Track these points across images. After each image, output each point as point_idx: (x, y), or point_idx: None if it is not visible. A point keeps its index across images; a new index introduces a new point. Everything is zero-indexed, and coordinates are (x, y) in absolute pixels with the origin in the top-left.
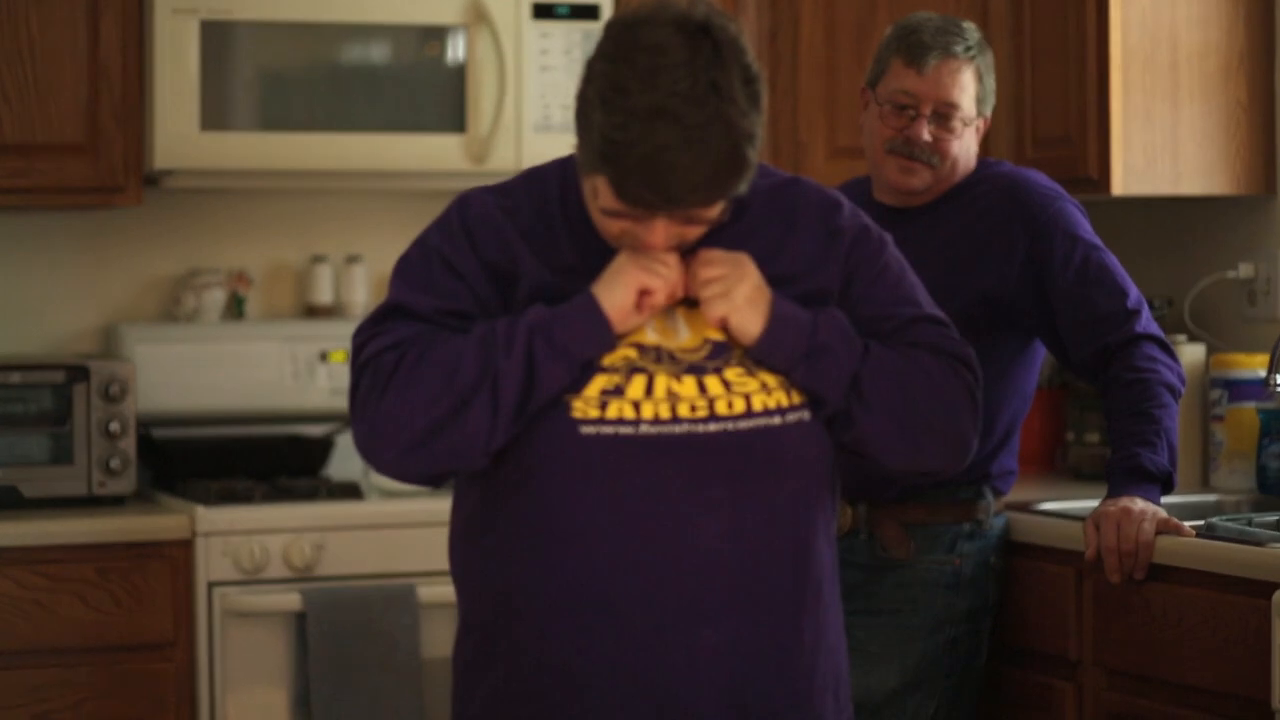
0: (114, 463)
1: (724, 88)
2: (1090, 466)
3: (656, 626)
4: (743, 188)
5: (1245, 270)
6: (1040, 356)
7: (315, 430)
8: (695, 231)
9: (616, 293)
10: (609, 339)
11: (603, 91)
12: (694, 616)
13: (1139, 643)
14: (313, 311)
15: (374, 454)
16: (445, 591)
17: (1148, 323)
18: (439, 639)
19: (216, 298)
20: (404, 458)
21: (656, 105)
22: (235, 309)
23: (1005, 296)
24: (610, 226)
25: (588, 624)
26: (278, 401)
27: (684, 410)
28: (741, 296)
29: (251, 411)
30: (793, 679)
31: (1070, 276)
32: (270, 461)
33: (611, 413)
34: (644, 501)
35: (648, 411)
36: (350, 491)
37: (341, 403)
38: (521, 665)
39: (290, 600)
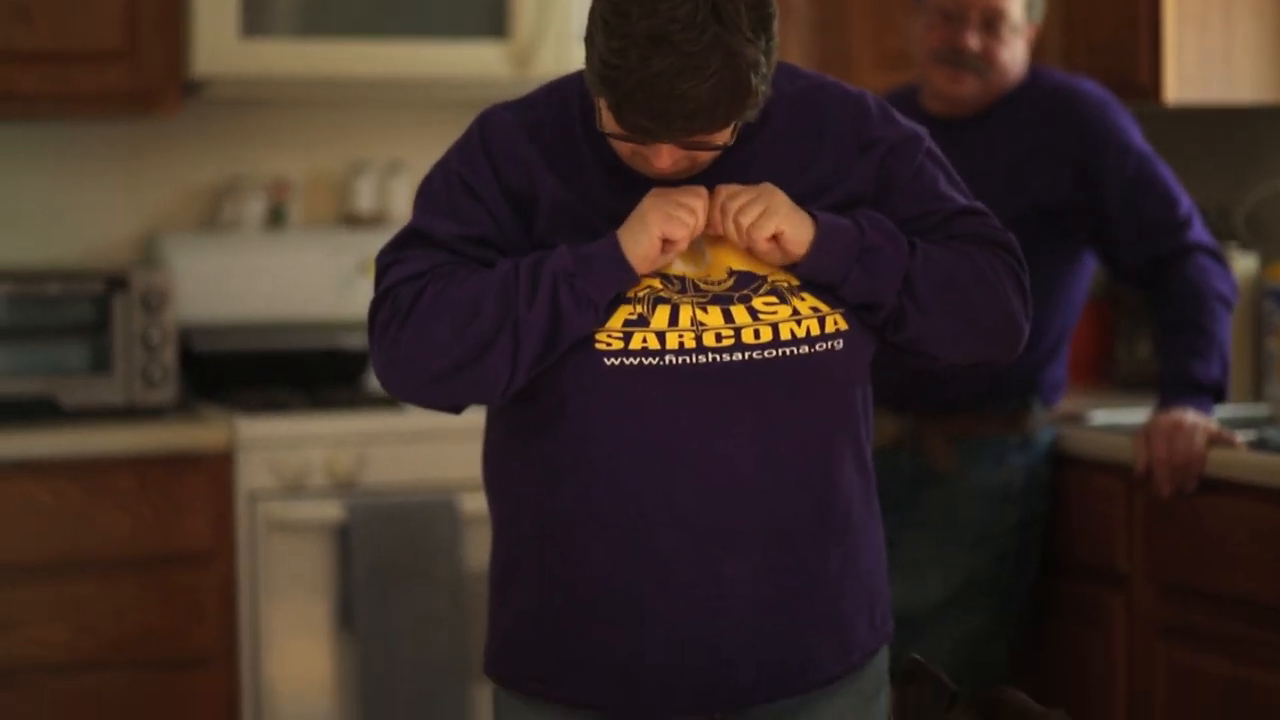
0: (153, 373)
1: (727, 14)
2: (1141, 378)
3: (682, 556)
4: (750, 114)
5: None
6: (1090, 267)
7: (356, 341)
8: (704, 156)
9: (641, 241)
10: (632, 285)
11: (605, 14)
12: (719, 545)
13: (1190, 556)
14: (354, 220)
15: (390, 385)
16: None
17: (1200, 233)
18: (480, 551)
19: (257, 207)
20: (420, 392)
21: (655, 31)
22: (276, 218)
23: (1055, 206)
24: (619, 148)
25: (613, 553)
26: (318, 312)
27: (709, 340)
28: (784, 211)
29: (292, 322)
30: (820, 606)
31: (1121, 186)
32: (310, 372)
33: (635, 343)
34: (669, 431)
35: (672, 341)
36: (391, 402)
37: None
38: (548, 589)
39: (331, 512)
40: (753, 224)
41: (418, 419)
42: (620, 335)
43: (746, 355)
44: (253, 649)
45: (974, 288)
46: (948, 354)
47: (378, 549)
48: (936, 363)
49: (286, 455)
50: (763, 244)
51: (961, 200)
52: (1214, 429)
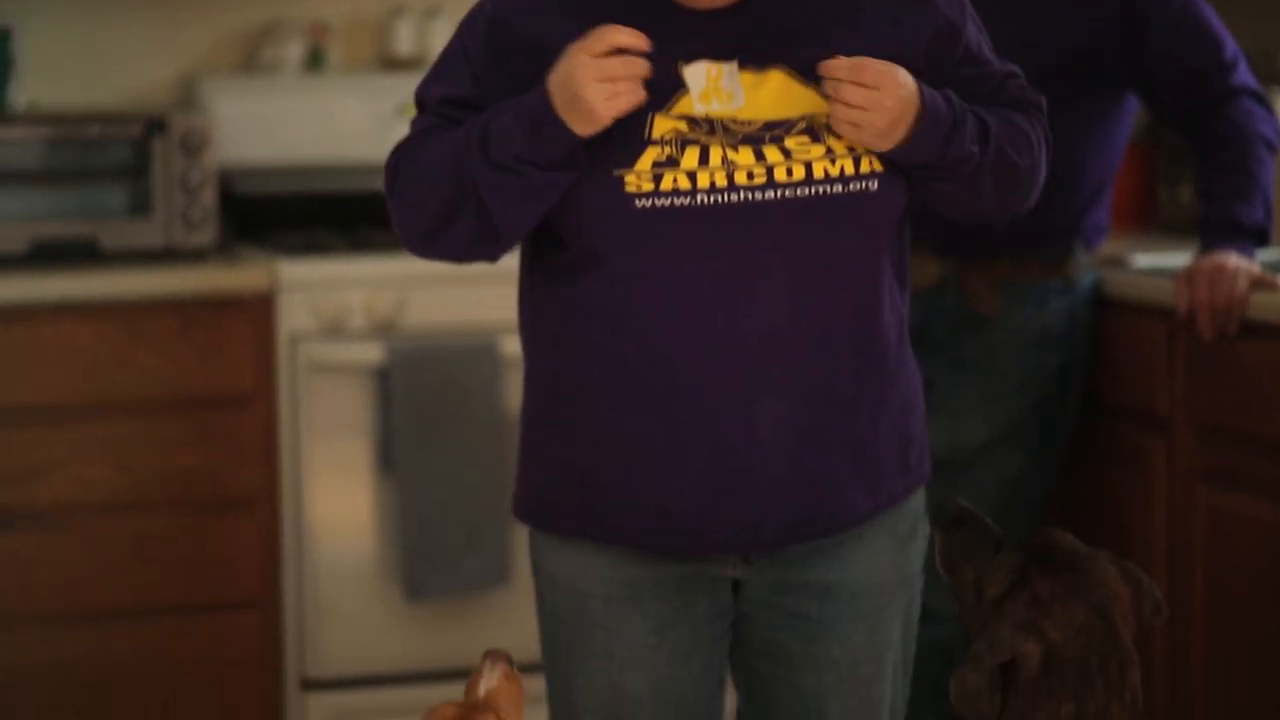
0: (194, 215)
1: None
2: (1183, 222)
3: (714, 399)
4: None
5: None
6: (1132, 110)
7: None
8: None
9: (585, 123)
10: (572, 143)
11: None
12: (752, 388)
13: (1231, 399)
14: (392, 63)
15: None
16: None
17: (1245, 76)
18: (520, 393)
19: (295, 50)
20: (423, 254)
21: None
22: (314, 61)
23: (1097, 49)
24: None
25: (647, 397)
26: (358, 154)
27: (741, 178)
28: (875, 130)
29: (331, 164)
30: (853, 447)
31: (1165, 28)
32: (350, 215)
33: (665, 184)
34: (702, 272)
35: (703, 180)
36: None
37: None
38: (582, 434)
39: (372, 354)
40: (835, 121)
41: None
42: (650, 177)
43: (779, 193)
44: (294, 490)
45: (1024, 161)
46: (972, 210)
47: (418, 391)
48: (953, 213)
49: (327, 297)
50: (849, 132)
51: (1001, 63)
52: (1256, 272)
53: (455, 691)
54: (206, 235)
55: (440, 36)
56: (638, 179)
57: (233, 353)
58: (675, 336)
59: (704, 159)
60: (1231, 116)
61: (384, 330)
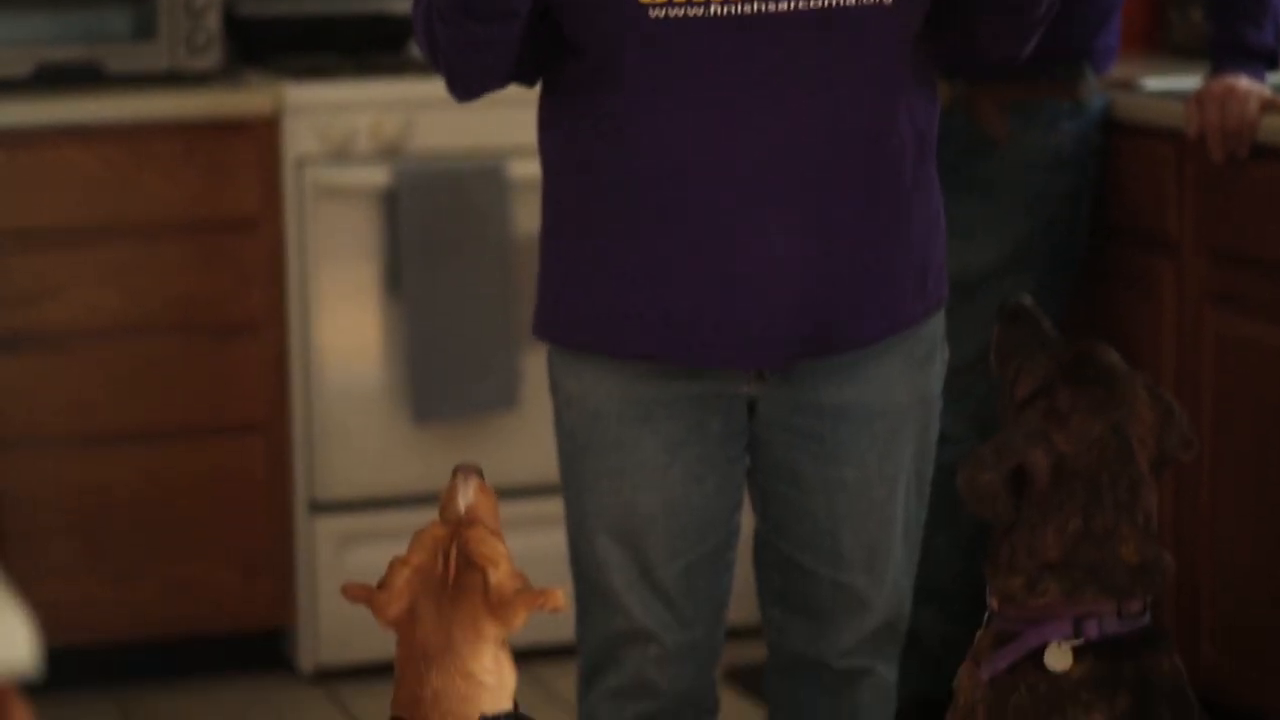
0: (198, 38)
1: None
2: (1193, 45)
3: (727, 211)
4: None
5: None
6: None
7: (401, 6)
8: None
9: None
10: None
11: None
12: (765, 201)
13: (1240, 223)
14: None
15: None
16: (534, 169)
17: None
18: (528, 217)
19: None
20: (463, 99)
21: None
22: None
23: None
24: None
25: (660, 208)
26: None
27: None
28: None
29: None
30: (868, 265)
31: None
32: (356, 37)
33: None
34: (717, 84)
35: None
36: None
37: None
38: (600, 249)
39: (379, 177)
40: None
41: None
42: None
43: (793, 4)
44: (301, 314)
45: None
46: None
47: (425, 214)
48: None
49: (333, 120)
50: None
51: None
52: (1267, 95)
53: None
54: (211, 58)
55: None
56: None
57: (238, 177)
58: (688, 148)
59: None
60: None
61: (391, 153)
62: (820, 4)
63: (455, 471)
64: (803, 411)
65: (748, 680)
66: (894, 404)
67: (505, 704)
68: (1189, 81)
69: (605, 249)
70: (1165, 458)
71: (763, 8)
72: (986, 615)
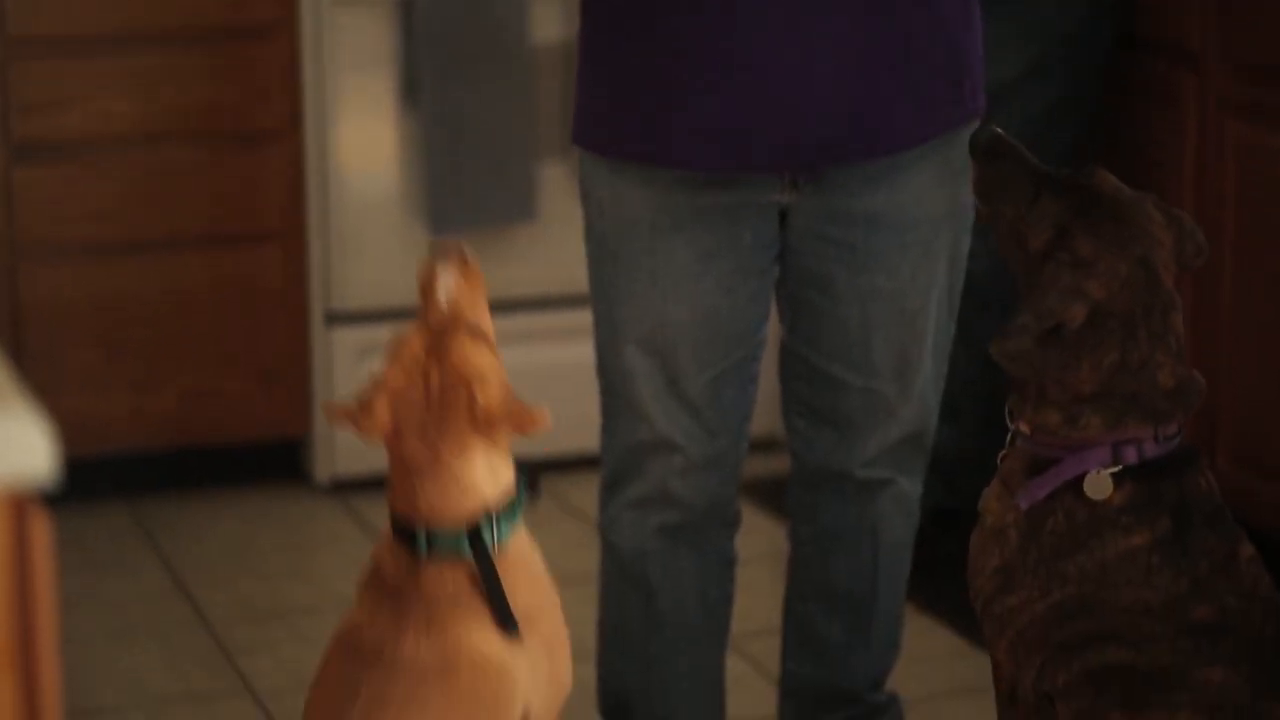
0: None
1: None
2: None
3: (766, 11)
4: None
5: None
6: None
7: None
8: None
9: None
10: None
11: None
12: (802, 3)
13: (1265, 32)
14: None
15: None
16: None
17: None
18: (547, 23)
19: None
20: None
21: None
22: None
23: None
24: None
25: (704, 10)
26: None
27: None
28: None
29: None
30: (906, 69)
31: None
32: None
33: None
34: None
35: None
36: None
37: None
38: (637, 52)
39: None
40: None
41: None
42: None
43: None
44: (317, 124)
45: None
46: None
47: (442, 23)
48: None
49: None
50: None
51: None
52: None
53: None
54: None
55: None
56: None
57: None
58: None
59: None
60: None
61: None
62: None
63: (431, 250)
64: (836, 220)
65: (768, 493)
66: (929, 214)
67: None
68: None
69: (643, 55)
70: (1183, 270)
71: None
72: (1010, 436)
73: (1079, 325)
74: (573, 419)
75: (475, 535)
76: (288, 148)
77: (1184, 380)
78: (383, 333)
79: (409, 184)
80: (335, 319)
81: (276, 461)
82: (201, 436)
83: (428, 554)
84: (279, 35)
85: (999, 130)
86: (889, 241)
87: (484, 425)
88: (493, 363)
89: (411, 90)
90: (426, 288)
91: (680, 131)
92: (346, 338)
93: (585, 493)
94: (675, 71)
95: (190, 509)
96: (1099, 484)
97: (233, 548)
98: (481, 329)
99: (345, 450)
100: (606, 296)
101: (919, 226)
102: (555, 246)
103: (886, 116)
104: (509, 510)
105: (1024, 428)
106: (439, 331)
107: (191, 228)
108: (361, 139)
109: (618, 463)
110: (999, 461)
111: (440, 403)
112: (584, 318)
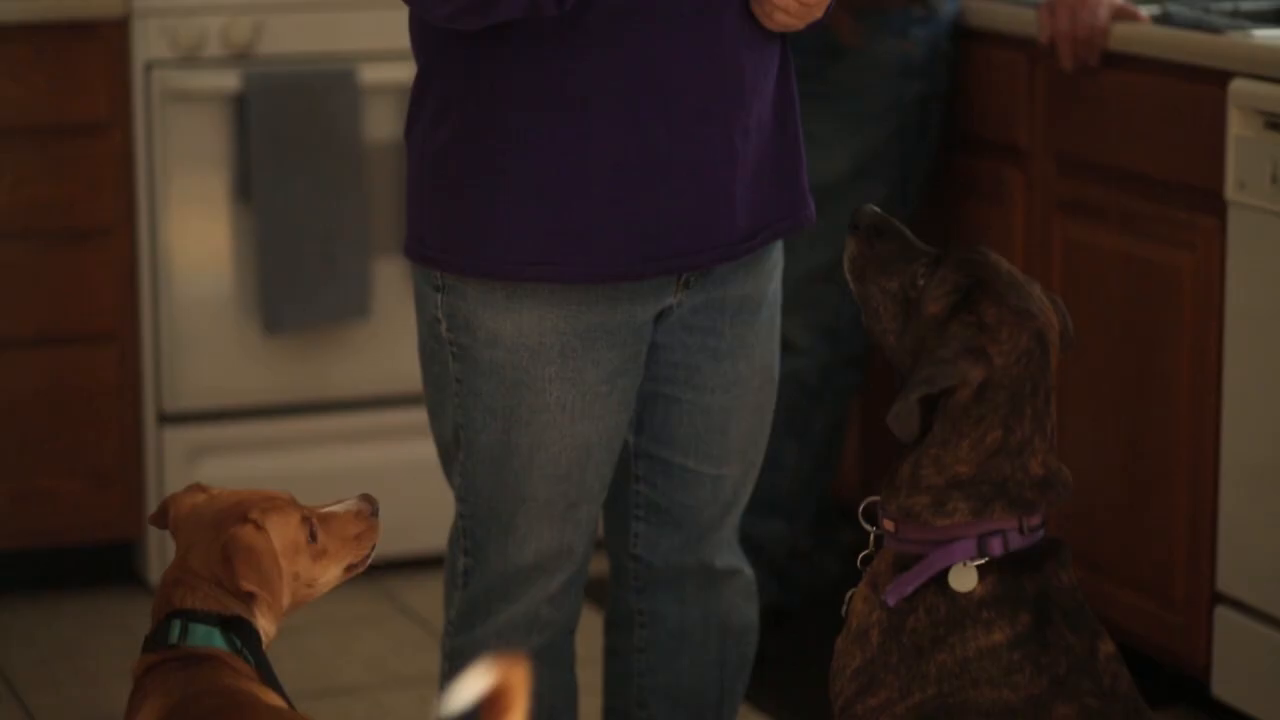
0: None
1: None
2: None
3: (673, 119)
4: None
5: None
6: None
7: None
8: None
9: None
10: None
11: None
12: (728, 102)
13: (1091, 131)
14: None
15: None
16: (387, 73)
17: None
18: (380, 121)
19: None
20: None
21: None
22: None
23: None
24: None
25: (633, 114)
26: None
27: None
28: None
29: None
30: (780, 163)
31: None
32: None
33: None
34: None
35: None
36: None
37: None
38: (561, 158)
39: (228, 82)
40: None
41: None
42: None
43: None
44: (150, 221)
45: None
46: None
47: (276, 119)
48: None
49: (183, 23)
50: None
51: None
52: (1117, 3)
53: (311, 426)
54: None
55: None
56: None
57: (87, 80)
58: (663, 54)
59: None
60: None
61: (241, 57)
62: None
63: (360, 496)
64: (706, 310)
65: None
66: (773, 293)
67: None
68: None
69: (568, 160)
70: (1062, 354)
71: None
72: (874, 537)
73: (967, 399)
74: (405, 519)
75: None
76: (120, 245)
77: (1054, 471)
78: (216, 433)
79: (242, 282)
80: (168, 419)
81: (110, 563)
82: (34, 538)
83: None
84: (112, 131)
85: (877, 209)
86: (748, 325)
87: (222, 546)
88: (292, 542)
89: (245, 187)
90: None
91: (600, 245)
92: (179, 437)
93: (418, 593)
94: (591, 184)
95: (22, 611)
96: (964, 576)
97: (65, 651)
98: (322, 542)
99: None
100: (499, 424)
101: (767, 306)
102: (389, 344)
103: (773, 209)
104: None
105: (888, 525)
106: (269, 499)
107: (23, 326)
108: (195, 236)
109: (485, 589)
110: (860, 564)
111: (221, 518)
112: (416, 416)
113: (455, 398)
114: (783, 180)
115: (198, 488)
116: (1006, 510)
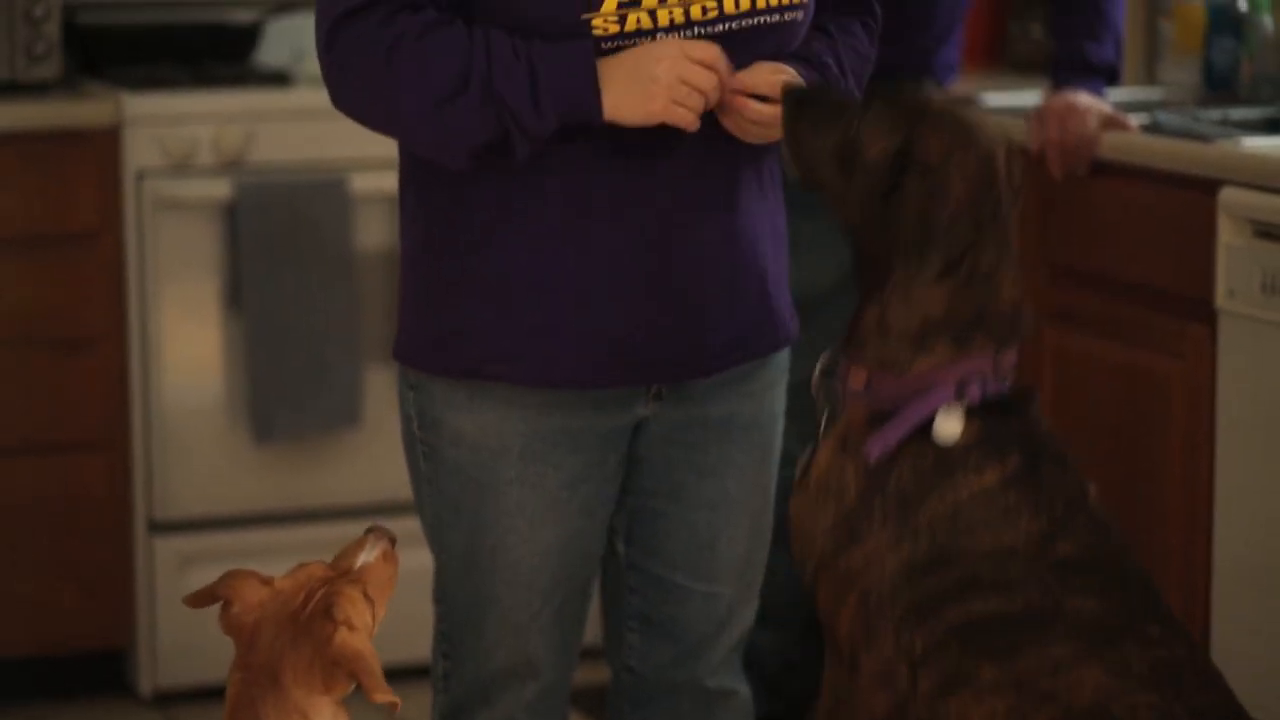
0: (37, 48)
1: None
2: (1034, 60)
3: (650, 226)
4: None
5: None
6: None
7: (243, 15)
8: None
9: (634, 112)
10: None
11: None
12: (685, 217)
13: (1081, 240)
14: None
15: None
16: (378, 183)
17: None
18: (371, 230)
19: None
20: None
21: None
22: None
23: None
24: None
25: (584, 225)
26: None
27: (696, 13)
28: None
29: None
30: (765, 276)
31: None
32: (196, 48)
33: (630, 25)
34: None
35: (664, 19)
36: (279, 79)
37: None
38: (506, 264)
39: (219, 190)
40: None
41: (307, 95)
42: (616, 19)
43: (728, 26)
44: (141, 329)
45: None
46: None
47: (266, 228)
48: None
49: (174, 133)
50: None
51: None
52: (1107, 111)
53: (303, 535)
54: (50, 68)
55: None
56: (604, 21)
57: (78, 189)
58: (632, 166)
59: None
60: None
61: (232, 166)
62: (750, 23)
63: (368, 531)
64: (691, 427)
65: (585, 703)
66: (768, 414)
67: None
68: (1030, 97)
69: (512, 270)
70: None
71: (703, 31)
72: (829, 408)
73: (921, 209)
74: (398, 627)
75: None
76: (110, 353)
77: (1019, 299)
78: (206, 542)
79: (233, 390)
80: (158, 528)
81: (99, 672)
82: (24, 647)
83: None
84: (102, 240)
85: (802, 83)
86: (737, 445)
87: (330, 663)
88: (370, 623)
89: (236, 295)
90: (347, 550)
91: (563, 350)
92: (169, 547)
93: (410, 703)
94: (558, 288)
95: None
96: (950, 422)
97: None
98: (373, 598)
99: (168, 661)
100: (463, 525)
101: (761, 428)
102: (380, 451)
103: (757, 325)
104: None
105: (857, 381)
106: (341, 574)
107: (11, 435)
108: (185, 345)
109: (465, 693)
110: (820, 427)
111: (305, 626)
112: (408, 525)
113: (427, 498)
114: (762, 296)
115: (255, 577)
116: (987, 340)
